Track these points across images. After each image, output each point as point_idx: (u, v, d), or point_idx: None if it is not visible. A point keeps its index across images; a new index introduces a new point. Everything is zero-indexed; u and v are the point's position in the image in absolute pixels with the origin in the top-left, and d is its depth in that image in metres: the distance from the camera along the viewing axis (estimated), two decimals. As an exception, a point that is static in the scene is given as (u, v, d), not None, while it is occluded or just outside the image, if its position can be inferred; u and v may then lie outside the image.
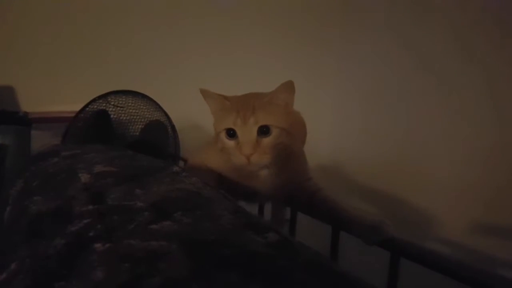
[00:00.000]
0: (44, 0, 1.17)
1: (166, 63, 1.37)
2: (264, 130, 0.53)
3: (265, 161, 0.54)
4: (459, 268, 0.41)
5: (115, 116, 1.00)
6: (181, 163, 1.05)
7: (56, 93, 1.19)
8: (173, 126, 1.08)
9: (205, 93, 0.58)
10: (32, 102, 1.15)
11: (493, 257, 0.97)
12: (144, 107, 1.05)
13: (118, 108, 1.01)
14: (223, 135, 0.56)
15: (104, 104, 0.98)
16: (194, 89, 1.48)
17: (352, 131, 1.55)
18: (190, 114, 1.37)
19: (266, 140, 0.53)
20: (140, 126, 1.05)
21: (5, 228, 0.45)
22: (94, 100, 0.97)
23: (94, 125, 0.96)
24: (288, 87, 0.54)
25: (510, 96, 1.01)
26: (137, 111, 1.05)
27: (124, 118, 1.03)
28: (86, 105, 0.96)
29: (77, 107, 0.97)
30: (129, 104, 1.03)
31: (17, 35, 1.15)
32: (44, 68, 1.18)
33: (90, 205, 0.36)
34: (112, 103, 1.00)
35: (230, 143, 0.55)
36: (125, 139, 1.01)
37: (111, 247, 0.28)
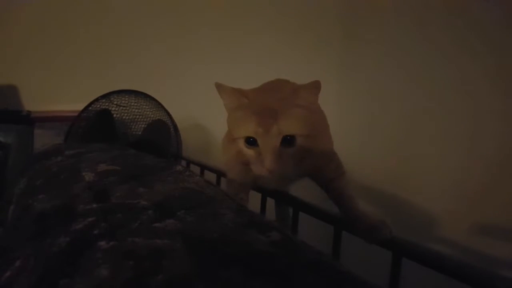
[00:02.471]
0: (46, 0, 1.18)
1: (168, 62, 1.37)
2: (288, 140, 0.47)
3: (287, 172, 0.49)
4: (461, 268, 0.41)
5: (117, 116, 1.01)
6: (183, 162, 1.05)
7: (59, 92, 1.19)
8: (175, 126, 1.08)
9: (220, 88, 0.51)
10: (35, 101, 1.15)
11: (494, 257, 0.97)
12: (147, 107, 1.06)
13: (121, 107, 1.01)
14: (241, 143, 0.50)
15: (106, 104, 0.99)
16: (196, 89, 1.48)
17: (353, 131, 1.55)
18: (192, 113, 1.38)
19: (290, 151, 0.48)
20: (142, 126, 1.06)
21: (9, 226, 0.46)
22: (97, 100, 0.98)
23: (96, 124, 0.96)
24: (315, 87, 0.49)
25: (510, 96, 1.01)
26: (139, 110, 1.05)
27: (127, 117, 1.03)
28: (89, 105, 0.97)
29: (80, 106, 0.97)
30: (132, 103, 1.04)
31: (20, 34, 1.15)
32: (47, 67, 1.19)
33: (94, 204, 0.36)
34: (115, 102, 1.00)
35: (250, 152, 0.49)
36: (127, 139, 1.01)
37: (115, 245, 0.28)
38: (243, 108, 0.50)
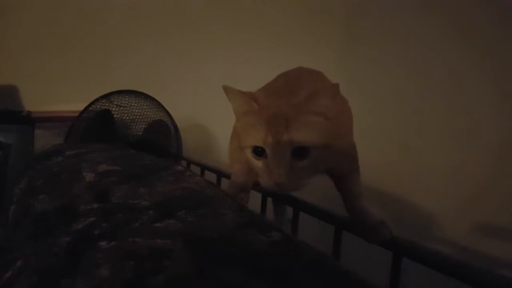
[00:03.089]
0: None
1: (168, 62, 1.37)
2: (300, 151, 0.43)
3: (299, 186, 0.45)
4: (461, 268, 0.41)
5: (118, 116, 1.01)
6: (184, 163, 1.05)
7: (60, 92, 1.20)
8: (175, 126, 1.08)
9: (228, 91, 0.47)
10: (35, 102, 1.15)
11: (494, 257, 0.97)
12: (147, 107, 1.06)
13: (121, 107, 1.01)
14: (249, 152, 0.46)
15: (107, 104, 0.99)
16: (196, 89, 1.48)
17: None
18: (192, 113, 1.38)
19: (303, 163, 0.43)
20: (142, 126, 1.06)
21: (9, 227, 0.46)
22: (97, 100, 0.97)
23: (97, 124, 0.96)
24: (333, 91, 0.44)
25: (509, 95, 1.01)
26: (139, 110, 1.05)
27: (127, 117, 1.03)
28: (89, 105, 0.97)
29: (80, 106, 0.97)
30: (132, 104, 1.03)
31: (20, 34, 1.15)
32: (48, 68, 1.19)
33: (95, 204, 0.36)
34: (115, 102, 1.00)
35: (258, 162, 0.45)
36: (127, 139, 1.01)
37: (116, 245, 0.28)
38: (252, 115, 0.45)
